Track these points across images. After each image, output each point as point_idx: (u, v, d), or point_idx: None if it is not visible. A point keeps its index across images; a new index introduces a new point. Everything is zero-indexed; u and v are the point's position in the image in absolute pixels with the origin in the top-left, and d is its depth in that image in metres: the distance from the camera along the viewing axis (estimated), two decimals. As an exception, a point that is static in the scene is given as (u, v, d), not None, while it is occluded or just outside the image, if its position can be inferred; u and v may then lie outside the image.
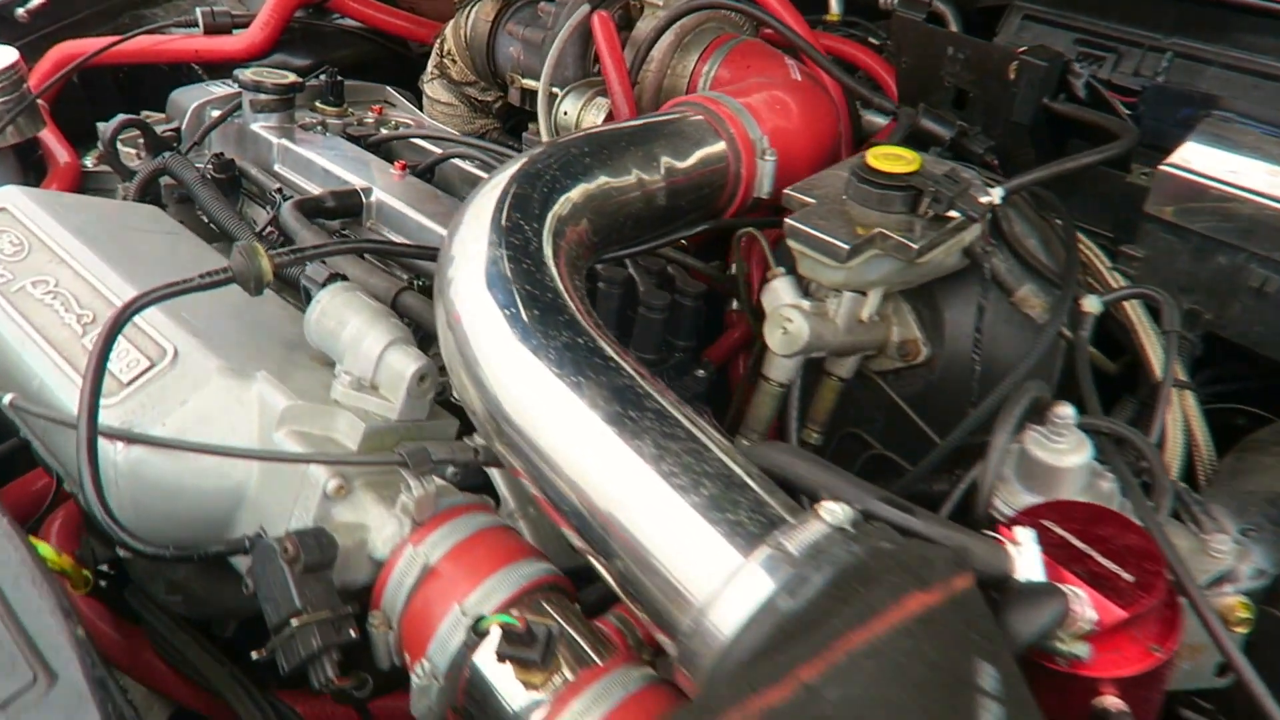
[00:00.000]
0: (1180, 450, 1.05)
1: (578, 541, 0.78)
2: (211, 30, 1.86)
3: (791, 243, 1.07)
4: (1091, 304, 1.08)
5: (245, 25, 1.89)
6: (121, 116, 1.52)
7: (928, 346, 1.21)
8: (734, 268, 1.55)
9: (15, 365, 1.05)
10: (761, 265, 1.48)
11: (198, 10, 1.86)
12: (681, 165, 1.17)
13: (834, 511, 0.67)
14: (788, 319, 1.08)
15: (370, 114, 1.75)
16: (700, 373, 1.30)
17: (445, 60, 1.84)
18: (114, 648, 1.31)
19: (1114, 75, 1.37)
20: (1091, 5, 1.40)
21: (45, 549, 0.96)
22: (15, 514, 1.56)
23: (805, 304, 1.10)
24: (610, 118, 1.47)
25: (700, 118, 1.23)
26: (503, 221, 0.93)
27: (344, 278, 1.13)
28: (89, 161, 1.83)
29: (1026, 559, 0.72)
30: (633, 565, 0.71)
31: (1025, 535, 0.73)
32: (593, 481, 0.73)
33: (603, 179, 1.07)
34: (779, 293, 1.11)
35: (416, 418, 1.00)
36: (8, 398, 0.97)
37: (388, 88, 1.88)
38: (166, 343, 1.00)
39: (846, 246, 1.02)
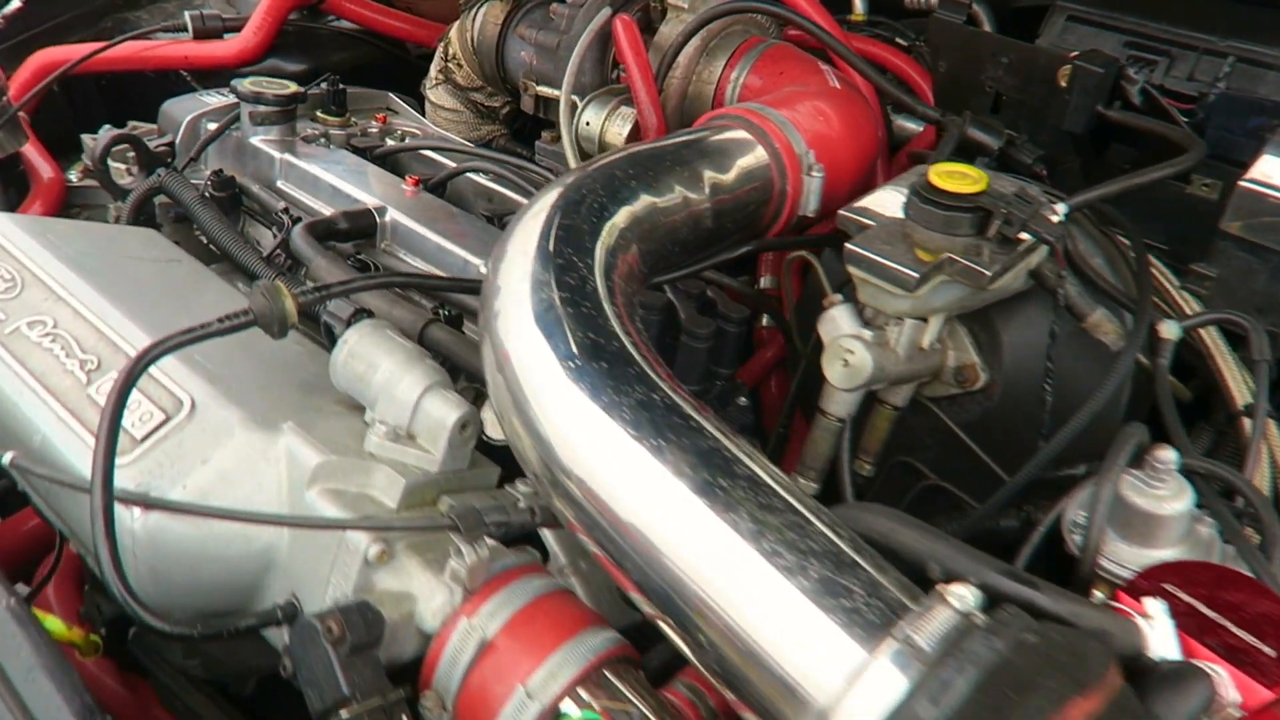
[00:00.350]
0: (1268, 485, 0.99)
1: (651, 610, 0.71)
2: (201, 35, 1.76)
3: (853, 269, 1.00)
4: (1170, 330, 1.01)
5: (236, 29, 1.78)
6: (112, 131, 1.42)
7: (986, 371, 1.14)
8: (762, 282, 1.48)
9: (12, 417, 0.96)
10: (800, 281, 1.42)
11: (186, 14, 1.75)
12: (727, 184, 1.10)
13: (962, 596, 0.60)
14: (849, 350, 1.01)
15: (374, 123, 1.66)
16: (742, 401, 1.22)
17: (450, 65, 1.75)
18: (117, 701, 1.23)
19: (1166, 80, 1.30)
20: (1141, 6, 1.33)
21: (54, 623, 0.87)
22: (7, 560, 1.47)
23: (866, 334, 1.03)
24: (636, 129, 1.39)
25: (742, 131, 1.16)
26: (553, 257, 0.85)
27: (368, 313, 1.05)
28: (73, 176, 1.73)
29: (1160, 634, 0.66)
30: (731, 654, 0.64)
31: (1156, 607, 0.67)
32: (683, 559, 0.66)
33: (649, 202, 1.00)
34: (838, 322, 1.04)
35: (458, 468, 0.92)
36: (8, 456, 0.88)
37: (390, 94, 1.78)
38: (181, 392, 0.91)
39: (916, 275, 0.96)
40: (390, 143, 1.61)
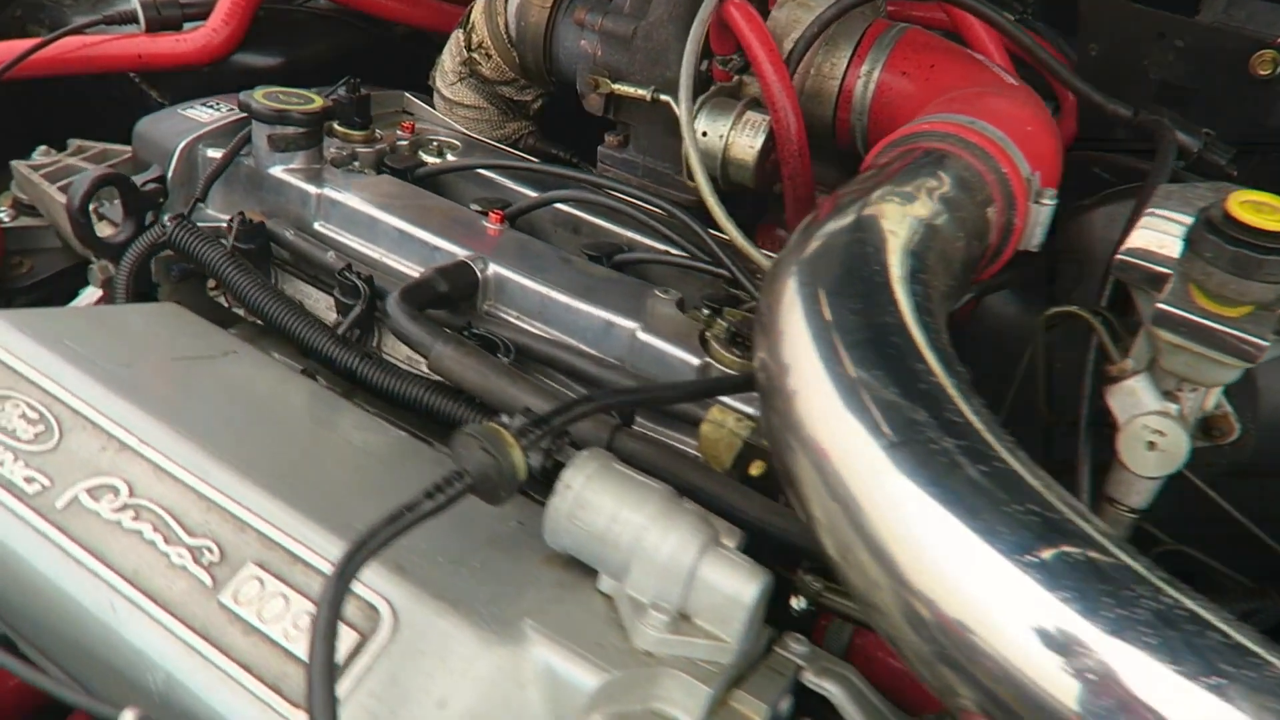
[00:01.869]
0: None
1: None
2: (156, 26, 1.39)
3: (1169, 335, 0.81)
4: None
5: (200, 17, 1.43)
6: (94, 172, 1.08)
7: (1240, 422, 0.99)
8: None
9: (106, 644, 0.67)
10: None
11: (136, 0, 1.38)
12: (968, 223, 0.89)
13: None
14: (1160, 432, 0.83)
15: (402, 133, 1.35)
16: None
17: (475, 55, 1.45)
18: None
19: (1361, 63, 1.16)
20: None
21: None
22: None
23: (1173, 408, 0.85)
24: (771, 139, 1.15)
25: (960, 155, 0.94)
26: (901, 377, 0.63)
27: (568, 435, 0.80)
28: (3, 215, 1.36)
29: None
30: None
31: None
32: None
33: (929, 270, 0.78)
34: (1140, 398, 0.85)
35: (748, 649, 0.69)
36: (129, 717, 0.60)
37: (406, 94, 1.47)
38: (370, 594, 0.64)
39: (1266, 344, 0.78)
40: (429, 159, 1.31)
